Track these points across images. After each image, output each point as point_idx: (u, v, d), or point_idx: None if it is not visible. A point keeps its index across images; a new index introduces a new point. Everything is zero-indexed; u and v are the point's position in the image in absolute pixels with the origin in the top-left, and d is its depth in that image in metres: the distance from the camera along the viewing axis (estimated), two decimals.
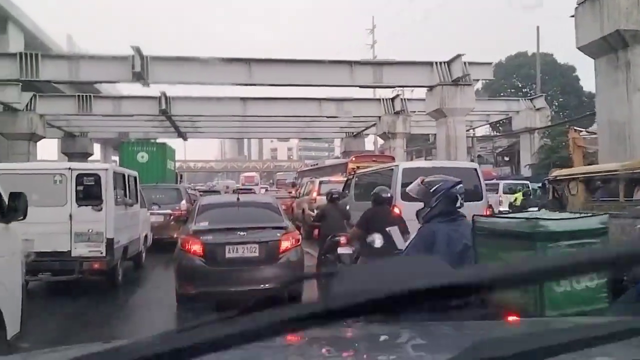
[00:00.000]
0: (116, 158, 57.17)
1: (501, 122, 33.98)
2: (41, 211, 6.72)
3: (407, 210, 7.53)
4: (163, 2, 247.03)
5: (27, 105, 22.12)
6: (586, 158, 16.09)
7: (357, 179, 11.84)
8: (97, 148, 50.95)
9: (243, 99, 24.44)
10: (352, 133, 32.99)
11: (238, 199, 7.41)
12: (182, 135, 32.10)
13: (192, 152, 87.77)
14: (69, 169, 7.98)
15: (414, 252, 3.37)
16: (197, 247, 6.54)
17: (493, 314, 2.61)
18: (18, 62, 16.52)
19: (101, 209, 7.81)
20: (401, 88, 19.09)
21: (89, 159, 35.56)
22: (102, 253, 7.72)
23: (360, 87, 18.92)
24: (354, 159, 20.44)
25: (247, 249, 6.62)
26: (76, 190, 7.80)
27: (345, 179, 13.22)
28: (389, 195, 6.43)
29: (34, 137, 22.48)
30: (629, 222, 6.38)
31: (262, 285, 6.36)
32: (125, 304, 7.82)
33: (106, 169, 8.31)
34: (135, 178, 10.14)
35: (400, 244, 4.27)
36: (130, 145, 22.13)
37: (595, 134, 14.34)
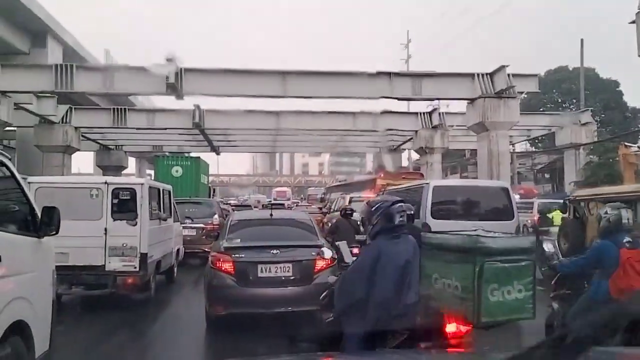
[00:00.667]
0: (151, 172, 58.17)
1: (541, 137, 32.68)
2: (77, 225, 6.75)
3: (436, 227, 7.98)
4: (198, 16, 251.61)
5: (62, 118, 22.21)
6: (638, 175, 15.01)
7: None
8: (132, 162, 51.68)
9: (276, 112, 24.04)
10: (387, 148, 32.24)
11: (271, 214, 7.18)
12: (215, 149, 31.94)
13: (224, 166, 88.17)
14: (106, 183, 8.00)
15: (359, 266, 3.55)
16: (228, 265, 6.30)
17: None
18: (54, 74, 16.49)
19: (136, 224, 7.79)
20: (440, 101, 18.31)
21: (123, 172, 35.90)
22: (135, 268, 7.69)
23: (399, 99, 18.25)
24: (382, 175, 20.96)
25: (280, 268, 6.36)
26: (112, 205, 7.81)
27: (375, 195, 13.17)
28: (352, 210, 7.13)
29: (68, 150, 22.53)
30: None
31: (295, 308, 6.15)
32: (156, 321, 7.69)
33: (142, 184, 8.32)
34: (169, 192, 10.15)
35: (348, 257, 4.28)
36: (165, 160, 22.24)
37: None
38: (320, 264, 6.39)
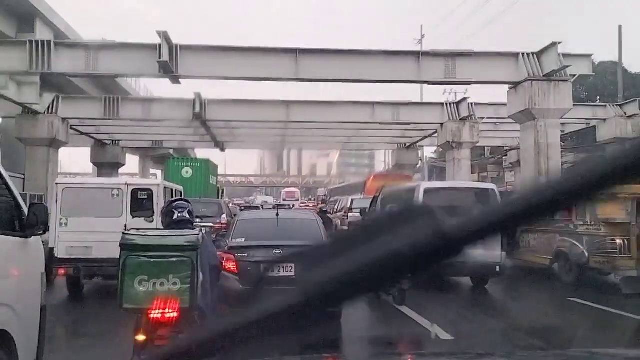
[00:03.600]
0: (156, 172, 56.41)
1: (579, 132, 29.91)
2: (100, 221, 7.88)
3: None
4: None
5: (48, 108, 19.84)
6: None
7: (382, 197, 12.06)
8: (134, 160, 49.68)
9: (286, 102, 21.57)
10: (405, 144, 29.68)
11: (277, 214, 7.24)
12: (220, 145, 29.54)
13: (232, 167, 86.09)
14: (126, 184, 8.84)
15: None
16: (231, 265, 6.38)
17: None
18: (28, 52, 14.09)
19: (153, 220, 8.32)
20: (477, 84, 15.72)
21: (122, 171, 33.83)
22: None
23: (428, 83, 15.71)
24: (373, 177, 23.21)
25: (284, 268, 5.97)
26: (131, 203, 8.52)
27: (372, 196, 13.60)
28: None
29: (54, 143, 20.13)
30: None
31: None
32: None
33: (158, 185, 9.20)
34: (181, 192, 10.66)
35: None
36: (176, 161, 23.02)
37: None
38: None
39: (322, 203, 29.14)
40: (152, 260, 3.63)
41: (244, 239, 6.73)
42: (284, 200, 41.53)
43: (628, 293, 8.82)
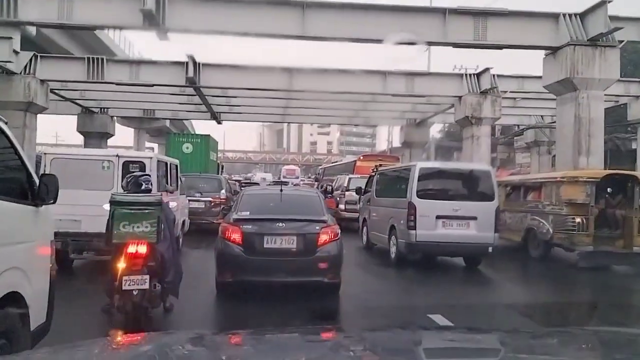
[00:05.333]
0: (152, 145, 54.63)
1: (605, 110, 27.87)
2: (89, 194, 7.76)
3: (421, 207, 9.25)
4: None
5: (25, 68, 17.80)
6: None
7: (378, 176, 12.03)
8: (129, 133, 47.80)
9: (289, 69, 19.48)
10: (415, 120, 27.66)
11: (281, 190, 7.48)
12: (216, 117, 27.47)
13: (231, 142, 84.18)
14: (117, 156, 8.50)
15: None
16: (236, 236, 6.67)
17: None
18: None
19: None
20: (510, 49, 13.66)
21: (114, 143, 32.20)
22: None
23: (455, 45, 13.64)
24: (362, 157, 23.59)
25: (286, 240, 6.69)
26: (122, 176, 7.92)
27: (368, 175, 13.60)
28: None
29: (32, 108, 18.12)
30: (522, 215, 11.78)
31: (298, 278, 6.64)
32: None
33: (150, 157, 8.89)
34: (176, 166, 10.46)
35: None
36: (177, 137, 23.80)
37: None
38: (323, 237, 6.72)
39: (315, 182, 29.91)
40: (131, 211, 5.20)
41: (248, 212, 6.98)
42: (284, 177, 40.55)
43: (583, 266, 9.90)
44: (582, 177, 10.52)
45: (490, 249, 9.38)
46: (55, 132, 74.02)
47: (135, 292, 5.04)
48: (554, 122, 27.97)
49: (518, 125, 30.58)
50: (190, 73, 18.36)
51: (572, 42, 12.90)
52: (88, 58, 18.86)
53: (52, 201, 3.96)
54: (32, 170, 3.97)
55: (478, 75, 19.62)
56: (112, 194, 5.48)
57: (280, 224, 6.71)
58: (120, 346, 1.75)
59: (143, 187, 5.67)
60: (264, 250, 6.59)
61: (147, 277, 5.13)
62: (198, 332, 2.10)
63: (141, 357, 1.57)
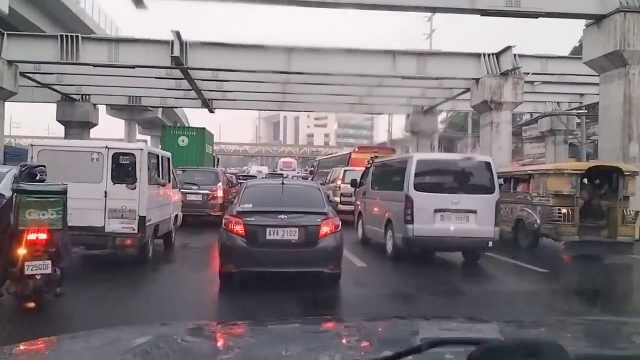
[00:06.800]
0: (144, 137, 52.72)
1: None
2: (78, 187, 7.14)
3: (419, 200, 9.11)
4: None
5: None
6: None
7: (374, 168, 11.94)
8: (120, 124, 45.74)
9: (288, 48, 17.45)
10: (423, 107, 25.69)
11: (283, 183, 7.85)
12: (207, 105, 25.47)
13: (226, 134, 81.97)
14: (106, 147, 8.19)
15: None
16: (239, 228, 6.80)
17: None
18: None
19: (135, 188, 8.03)
20: (548, 18, 11.68)
21: (104, 135, 30.59)
22: (134, 230, 7.99)
23: (484, 13, 11.62)
24: (357, 149, 23.34)
25: (287, 232, 6.83)
26: (112, 169, 8.06)
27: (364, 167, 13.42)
28: None
29: None
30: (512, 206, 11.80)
31: (299, 268, 6.81)
32: (151, 280, 8.02)
33: (141, 149, 8.52)
34: (168, 159, 10.18)
35: None
36: (172, 130, 23.67)
37: None
38: (324, 229, 6.86)
39: (310, 174, 29.67)
40: (37, 199, 5.46)
41: (251, 205, 7.10)
42: (280, 169, 39.69)
43: (570, 254, 10.44)
44: (567, 169, 10.92)
45: (490, 244, 9.15)
46: (47, 125, 71.84)
47: (38, 277, 5.27)
48: (573, 108, 26.24)
49: (531, 113, 28.62)
50: (176, 52, 16.34)
51: (622, 8, 10.95)
52: (61, 36, 16.80)
53: None
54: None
55: (497, 55, 17.62)
56: (18, 185, 5.56)
57: (282, 216, 6.88)
58: (118, 337, 1.74)
59: (38, 178, 5.69)
60: (267, 242, 6.77)
61: (49, 262, 5.35)
62: (196, 322, 2.05)
63: (139, 348, 1.54)
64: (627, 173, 10.52)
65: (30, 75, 19.48)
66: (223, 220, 7.17)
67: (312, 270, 6.85)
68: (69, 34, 16.88)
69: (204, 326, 1.96)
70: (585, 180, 10.81)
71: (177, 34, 16.19)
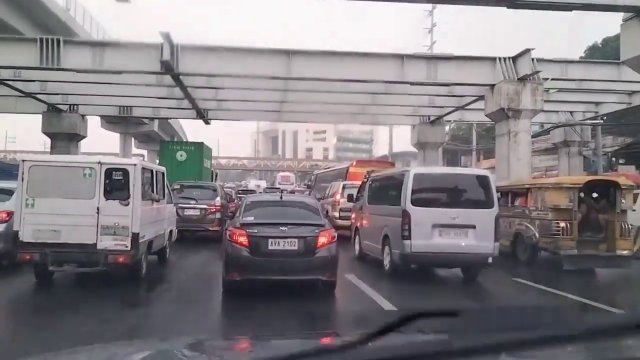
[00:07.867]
0: (141, 152, 51.47)
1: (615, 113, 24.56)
2: (69, 203, 7.56)
3: (416, 215, 8.95)
4: None
5: None
6: None
7: (370, 182, 11.86)
8: (114, 139, 44.49)
9: (287, 51, 16.10)
10: (429, 118, 24.33)
11: (281, 197, 8.47)
12: (202, 115, 24.07)
13: (225, 149, 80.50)
14: (99, 162, 8.08)
15: None
16: (243, 239, 7.22)
17: None
18: None
19: (128, 204, 7.95)
20: (581, 10, 10.34)
21: (99, 150, 29.62)
22: (127, 247, 7.90)
23: (510, 5, 10.24)
24: (355, 163, 22.95)
25: (288, 242, 7.26)
26: (104, 184, 7.96)
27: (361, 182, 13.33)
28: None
29: None
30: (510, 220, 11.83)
31: (299, 276, 7.31)
32: (144, 298, 8.02)
33: (134, 164, 8.41)
34: (163, 174, 10.09)
35: None
36: (170, 145, 24.46)
37: None
38: (321, 240, 7.32)
39: (307, 189, 29.44)
40: None
41: (253, 217, 7.54)
42: (279, 184, 39.16)
43: (568, 269, 10.17)
44: (565, 183, 11.19)
45: (490, 260, 8.99)
46: (43, 140, 70.49)
47: None
48: (587, 118, 24.94)
49: (542, 124, 27.26)
50: (166, 56, 14.97)
51: None
52: (41, 39, 15.42)
53: None
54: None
55: (514, 58, 16.28)
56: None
57: (283, 228, 7.29)
58: (117, 352, 1.73)
59: None
60: (269, 252, 7.16)
61: None
62: (196, 337, 1.99)
63: None
64: (625, 187, 10.83)
65: (10, 83, 18.10)
66: (227, 232, 7.60)
67: (310, 278, 7.36)
68: (49, 37, 15.51)
69: (204, 341, 1.94)
70: (582, 195, 10.83)
71: (167, 36, 14.83)
